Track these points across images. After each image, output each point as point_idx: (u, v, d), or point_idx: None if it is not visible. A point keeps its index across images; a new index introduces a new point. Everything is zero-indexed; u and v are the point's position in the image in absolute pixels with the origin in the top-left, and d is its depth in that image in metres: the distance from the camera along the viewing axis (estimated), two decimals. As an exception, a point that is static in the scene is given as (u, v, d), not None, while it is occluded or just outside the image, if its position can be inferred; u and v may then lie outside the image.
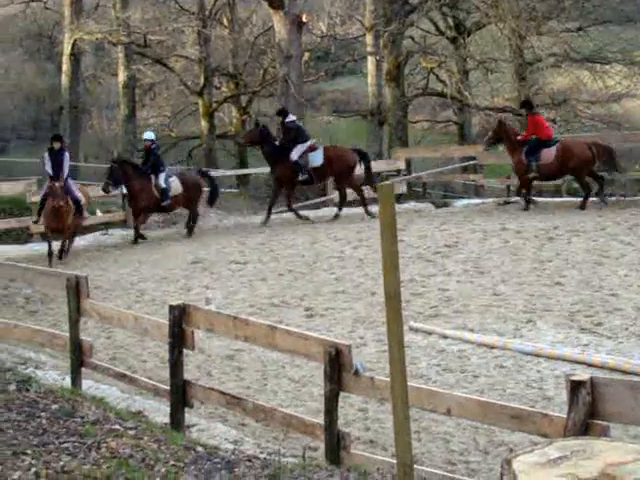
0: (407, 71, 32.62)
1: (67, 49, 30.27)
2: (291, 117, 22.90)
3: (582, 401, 5.92)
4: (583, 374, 6.40)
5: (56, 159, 19.41)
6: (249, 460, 6.69)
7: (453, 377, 11.49)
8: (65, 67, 30.58)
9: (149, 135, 21.44)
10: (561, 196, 23.48)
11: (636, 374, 10.80)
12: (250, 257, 18.53)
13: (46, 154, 19.68)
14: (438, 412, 8.19)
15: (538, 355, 12.01)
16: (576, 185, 24.93)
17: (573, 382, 6.02)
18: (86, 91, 35.20)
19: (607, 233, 18.27)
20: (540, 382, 11.21)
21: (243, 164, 33.66)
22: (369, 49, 32.25)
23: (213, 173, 24.51)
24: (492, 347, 12.46)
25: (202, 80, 33.56)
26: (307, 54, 35.06)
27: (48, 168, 19.29)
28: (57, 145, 19.63)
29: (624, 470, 3.46)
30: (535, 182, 22.82)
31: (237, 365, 12.02)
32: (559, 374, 10.96)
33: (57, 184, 18.93)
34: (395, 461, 6.51)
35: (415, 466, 6.62)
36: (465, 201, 24.65)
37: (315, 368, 9.82)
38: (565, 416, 6.13)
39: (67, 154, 19.99)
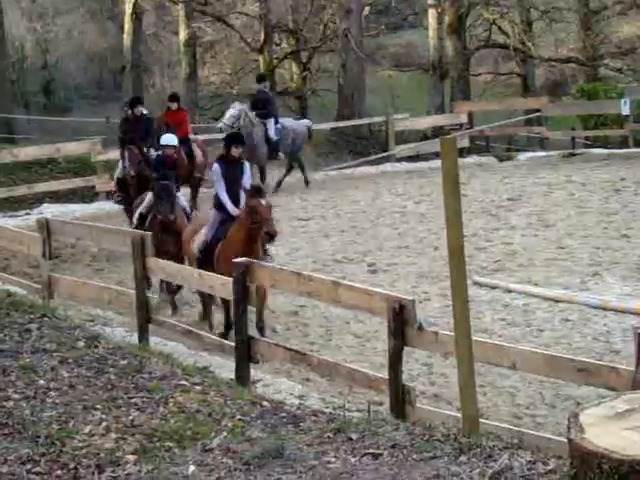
0: (469, 23, 32.18)
1: (129, 8, 30.35)
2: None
3: (650, 353, 5.86)
4: (651, 327, 6.33)
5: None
6: (314, 414, 6.72)
7: (518, 331, 11.45)
8: (127, 26, 30.68)
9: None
10: (628, 147, 23.07)
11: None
12: (312, 213, 18.55)
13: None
14: (503, 366, 8.16)
15: (605, 308, 11.90)
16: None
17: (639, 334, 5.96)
18: (148, 50, 35.34)
19: (675, 184, 18.00)
20: (607, 335, 11.12)
21: (304, 120, 33.57)
22: (430, 1, 31.87)
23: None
24: (557, 301, 12.36)
25: (262, 37, 33.46)
26: (367, 8, 34.73)
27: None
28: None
29: (694, 423, 3.42)
30: (597, 133, 22.45)
31: (301, 321, 12.08)
32: (626, 327, 10.84)
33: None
34: (460, 415, 6.52)
35: (480, 420, 6.61)
36: (529, 154, 24.36)
37: (379, 323, 9.83)
38: (633, 369, 6.07)
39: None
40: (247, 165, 12.44)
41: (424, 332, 7.70)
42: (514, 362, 7.19)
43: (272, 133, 20.57)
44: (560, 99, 29.99)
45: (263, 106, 20.70)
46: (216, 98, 36.23)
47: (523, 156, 23.91)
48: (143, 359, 7.86)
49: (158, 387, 7.04)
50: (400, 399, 7.61)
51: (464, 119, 25.89)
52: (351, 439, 5.81)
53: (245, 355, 9.10)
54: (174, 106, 19.09)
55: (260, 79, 22.48)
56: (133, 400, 6.75)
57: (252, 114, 20.41)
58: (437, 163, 20.69)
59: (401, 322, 7.58)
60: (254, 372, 9.42)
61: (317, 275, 9.34)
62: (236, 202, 11.85)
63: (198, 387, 7.24)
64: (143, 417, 6.39)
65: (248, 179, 12.17)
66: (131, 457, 5.73)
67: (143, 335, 10.42)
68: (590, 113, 25.20)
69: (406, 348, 7.85)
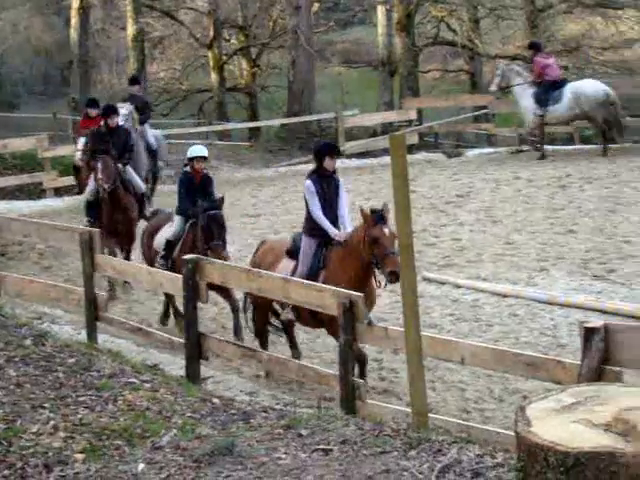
0: (417, 20, 32.27)
1: (75, 2, 30.07)
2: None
3: (595, 347, 5.94)
4: (597, 321, 6.42)
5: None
6: (265, 411, 6.73)
7: (467, 326, 11.53)
8: (73, 21, 30.39)
9: None
10: (574, 144, 23.33)
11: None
12: (262, 210, 18.53)
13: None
14: (452, 361, 8.24)
15: (551, 303, 12.02)
16: (589, 132, 24.79)
17: (587, 329, 6.04)
18: (96, 45, 35.02)
19: (620, 180, 18.19)
20: (554, 330, 11.24)
21: (254, 117, 33.53)
22: (378, -2, 32.00)
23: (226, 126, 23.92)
24: (505, 296, 12.47)
25: (211, 33, 33.35)
26: (316, 4, 34.77)
27: None
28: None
29: (637, 414, 3.48)
30: (547, 130, 22.68)
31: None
32: (572, 321, 10.98)
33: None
34: (410, 410, 6.56)
35: (430, 414, 6.67)
36: (477, 150, 24.50)
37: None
38: (579, 363, 6.15)
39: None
40: (342, 181, 10.59)
41: (374, 328, 7.74)
42: (463, 357, 7.25)
43: (151, 140, 18.28)
44: (507, 96, 30.18)
45: (141, 111, 18.16)
46: (165, 94, 36.07)
47: (471, 153, 24.05)
48: (92, 357, 7.82)
49: (107, 385, 7.01)
50: (350, 395, 7.65)
51: (413, 116, 25.99)
52: (301, 435, 5.83)
53: (195, 352, 9.08)
54: (94, 113, 16.61)
55: (133, 81, 19.81)
56: (82, 398, 6.71)
57: (137, 117, 17.96)
58: (386, 160, 20.74)
59: (351, 318, 7.62)
60: (204, 369, 9.40)
61: (267, 272, 9.35)
62: (333, 225, 9.99)
63: (148, 385, 7.21)
64: (92, 415, 6.36)
65: (345, 198, 10.51)
66: (79, 456, 5.69)
67: (92, 333, 10.35)
68: (537, 110, 25.40)
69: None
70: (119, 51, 36.74)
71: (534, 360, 6.75)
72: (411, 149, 23.10)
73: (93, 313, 10.41)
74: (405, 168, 6.31)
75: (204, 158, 11.74)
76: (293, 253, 10.14)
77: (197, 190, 11.53)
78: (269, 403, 7.90)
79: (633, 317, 11.05)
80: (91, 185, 13.92)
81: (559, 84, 20.77)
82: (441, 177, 20.51)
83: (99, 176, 13.35)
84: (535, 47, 21.82)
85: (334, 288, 8.22)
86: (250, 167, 24.10)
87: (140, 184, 14.48)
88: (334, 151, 10.32)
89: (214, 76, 33.66)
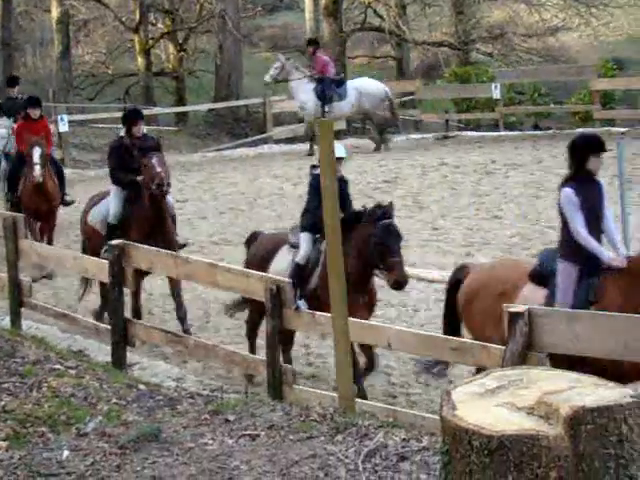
0: (345, 5, 32.31)
1: (-3, -16, 29.61)
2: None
3: (520, 332, 6.02)
4: (521, 306, 6.50)
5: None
6: (191, 397, 6.71)
7: (394, 311, 11.60)
8: (-4, 3, 29.93)
9: None
10: (499, 130, 23.59)
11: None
12: (190, 195, 18.42)
13: None
14: (379, 346, 8.29)
15: (477, 288, 12.13)
16: (514, 119, 25.07)
17: (511, 313, 6.11)
18: (19, 28, 34.44)
19: (544, 166, 18.44)
20: (479, 315, 11.34)
21: (181, 101, 33.27)
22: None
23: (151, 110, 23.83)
24: (432, 281, 12.57)
25: (137, 16, 33.00)
26: (244, -11, 34.60)
27: None
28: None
29: (560, 398, 3.53)
30: (469, 116, 22.95)
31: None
32: (498, 306, 11.10)
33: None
34: (337, 395, 6.59)
35: (356, 399, 6.70)
36: (404, 136, 24.65)
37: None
38: (503, 347, 6.22)
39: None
40: (604, 183, 8.27)
41: (302, 313, 7.75)
42: (389, 342, 7.30)
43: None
44: (434, 82, 30.39)
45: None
46: (91, 78, 35.62)
47: (398, 138, 24.18)
48: (15, 343, 7.72)
49: (31, 372, 6.92)
50: (277, 380, 7.65)
51: (341, 101, 26.00)
52: (228, 421, 5.82)
53: (121, 338, 9.00)
54: (36, 113, 14.72)
55: (11, 82, 18.00)
56: (5, 385, 6.62)
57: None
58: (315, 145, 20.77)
59: (279, 304, 7.62)
60: (130, 355, 9.32)
61: (194, 257, 9.30)
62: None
63: (73, 371, 7.14)
64: (16, 402, 6.28)
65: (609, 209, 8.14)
66: (3, 443, 5.63)
67: (16, 319, 10.20)
68: (462, 96, 25.64)
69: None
70: (43, 34, 36.19)
71: (460, 345, 6.82)
72: (338, 135, 23.14)
73: (17, 299, 10.26)
74: (333, 153, 6.32)
75: (342, 160, 9.74)
76: (539, 278, 7.86)
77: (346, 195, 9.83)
78: (196, 389, 7.88)
79: (556, 302, 11.21)
80: (116, 207, 11.38)
81: (340, 81, 21.02)
82: (368, 163, 20.58)
83: (158, 171, 10.76)
84: (315, 43, 21.96)
85: (260, 274, 8.20)
86: (177, 152, 23.93)
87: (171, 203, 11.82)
88: (600, 147, 8.06)
89: (140, 60, 33.31)
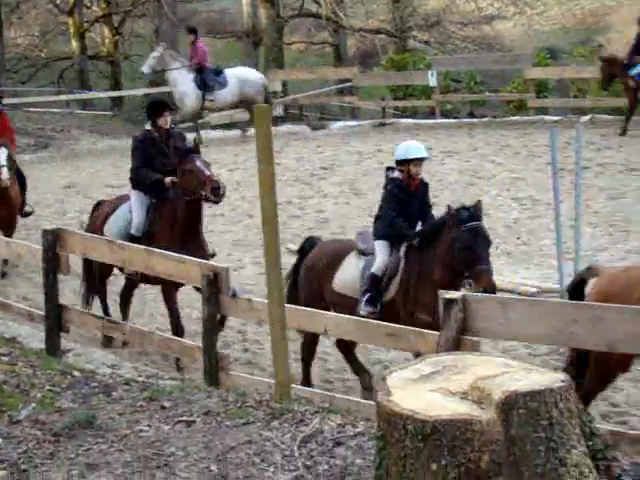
0: (282, -9, 32.30)
1: None
2: None
3: (454, 318, 6.07)
4: (455, 292, 6.56)
5: None
6: (127, 383, 6.68)
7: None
8: None
9: None
10: (435, 117, 23.73)
11: (506, 290, 11.11)
12: (125, 181, 18.22)
13: None
14: (316, 332, 8.32)
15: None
16: (450, 106, 25.22)
17: (446, 299, 6.16)
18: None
19: (479, 154, 18.60)
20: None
21: (117, 86, 32.97)
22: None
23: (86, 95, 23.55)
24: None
25: (72, -1, 32.62)
26: (180, -27, 34.33)
27: None
28: None
29: (493, 383, 3.58)
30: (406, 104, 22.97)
31: (114, 290, 11.90)
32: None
33: None
34: (273, 381, 6.60)
35: (292, 385, 6.72)
36: (341, 123, 24.68)
37: (194, 291, 9.81)
38: (438, 334, 6.28)
39: None
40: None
41: (238, 300, 7.75)
42: (326, 328, 7.33)
43: None
44: (371, 69, 30.48)
45: None
46: (24, 61, 35.14)
47: (335, 125, 24.21)
48: (-54, 330, 7.61)
49: (-38, 359, 6.84)
50: (214, 366, 7.64)
51: (278, 87, 25.98)
52: (164, 407, 5.80)
53: (55, 324, 8.92)
54: None
55: None
56: None
57: None
58: (251, 131, 20.71)
59: (215, 290, 7.60)
60: (65, 341, 9.24)
61: (130, 243, 9.23)
62: None
63: (5, 358, 7.07)
64: (-54, 390, 6.20)
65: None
66: None
67: (-53, 306, 10.06)
68: (399, 84, 25.74)
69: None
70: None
71: (395, 331, 6.87)
72: (276, 121, 23.09)
73: (-52, 286, 10.12)
74: (270, 140, 6.31)
75: (422, 160, 8.98)
76: None
77: (412, 203, 8.90)
78: (131, 375, 7.83)
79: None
80: (139, 216, 10.22)
81: (218, 70, 21.10)
82: (306, 149, 20.57)
83: (208, 174, 9.82)
84: (194, 32, 21.97)
85: (196, 260, 8.18)
86: (112, 137, 23.70)
87: None
88: None
89: (75, 44, 32.93)
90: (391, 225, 8.73)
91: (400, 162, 8.99)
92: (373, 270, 8.64)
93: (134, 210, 10.28)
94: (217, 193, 9.75)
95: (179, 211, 9.98)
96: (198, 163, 9.98)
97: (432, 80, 23.45)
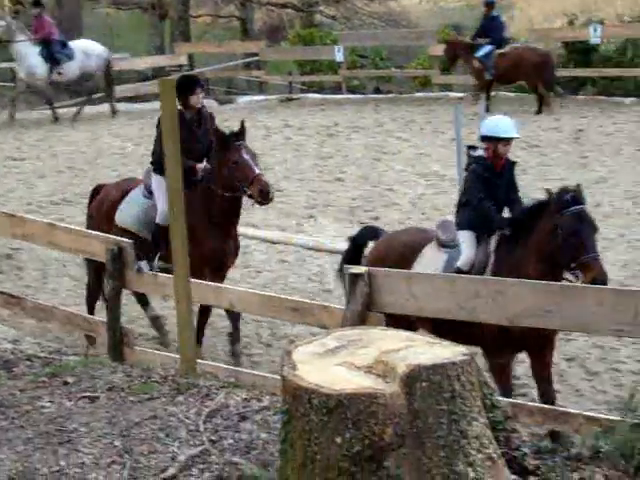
0: (189, -37, 31.93)
1: None
2: None
3: (360, 292, 6.11)
4: (361, 267, 6.60)
5: None
6: (29, 359, 6.59)
7: (237, 272, 11.61)
8: None
9: None
10: (341, 93, 23.78)
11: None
12: (28, 154, 17.91)
13: None
14: (221, 307, 8.31)
15: (319, 249, 12.29)
16: (356, 82, 25.28)
17: (352, 274, 6.20)
18: None
19: (384, 130, 18.71)
20: (321, 276, 11.51)
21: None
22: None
23: None
24: (275, 242, 12.65)
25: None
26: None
27: None
28: None
29: (397, 356, 3.62)
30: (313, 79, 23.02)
31: (15, 264, 11.73)
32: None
33: None
34: (178, 356, 6.58)
35: (198, 360, 6.71)
36: (248, 97, 24.58)
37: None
38: (343, 307, 6.32)
39: None
40: None
41: (143, 274, 7.69)
42: (231, 302, 7.32)
43: None
44: (278, 44, 30.39)
45: None
46: None
47: (242, 100, 24.10)
48: None
49: None
50: (118, 341, 7.57)
51: (184, 61, 25.76)
52: (67, 383, 5.74)
53: (-45, 300, 8.74)
54: None
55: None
56: None
57: None
58: (157, 104, 20.50)
59: (120, 265, 7.53)
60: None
61: (32, 217, 9.08)
62: None
63: None
64: None
65: None
66: None
67: None
68: (306, 59, 25.73)
69: (125, 290, 7.82)
70: None
71: (301, 305, 6.89)
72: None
73: None
74: (175, 113, 6.26)
75: (512, 140, 7.98)
76: None
77: (499, 185, 7.94)
78: (34, 351, 7.73)
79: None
80: (165, 204, 8.26)
81: (64, 42, 21.00)
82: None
83: (257, 173, 9.01)
84: (40, 5, 21.64)
85: (101, 234, 8.08)
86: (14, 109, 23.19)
87: None
88: None
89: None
90: (478, 209, 7.77)
91: (486, 139, 7.92)
92: (459, 264, 7.67)
93: (158, 197, 9.09)
94: (265, 197, 8.86)
95: (216, 204, 9.06)
96: (245, 155, 9.05)
97: (339, 55, 23.49)
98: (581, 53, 21.50)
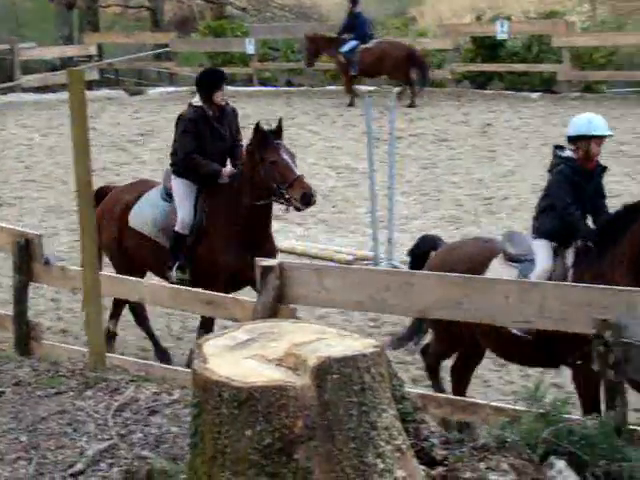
0: (97, -48, 31.50)
1: None
2: None
3: (271, 285, 6.12)
4: (272, 260, 6.61)
5: None
6: None
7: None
8: None
9: None
10: (253, 85, 23.73)
11: (322, 258, 11.28)
12: None
13: None
14: (131, 300, 8.23)
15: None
16: (268, 74, 25.24)
17: (263, 267, 6.20)
18: None
19: (296, 122, 18.73)
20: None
21: None
22: None
23: None
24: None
25: None
26: None
27: None
28: None
29: (307, 349, 3.63)
30: (227, 70, 22.84)
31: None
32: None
33: None
34: (87, 349, 6.50)
35: (107, 354, 6.64)
36: (159, 89, 24.38)
37: (3, 259, 9.54)
38: (255, 301, 6.32)
39: None
40: None
41: (51, 267, 7.58)
42: (142, 296, 7.27)
43: None
44: (189, 35, 30.17)
45: None
46: None
47: (153, 91, 23.91)
48: None
49: None
50: (25, 335, 7.44)
51: (93, 51, 25.46)
52: (-29, 378, 5.64)
53: None
54: None
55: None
56: None
57: None
58: (65, 95, 20.21)
59: (27, 257, 7.40)
60: None
61: None
62: None
63: None
64: None
65: None
66: None
67: None
68: (217, 51, 25.59)
69: (33, 284, 7.70)
70: None
71: (213, 298, 6.86)
72: (91, 85, 22.61)
73: None
74: (83, 104, 6.18)
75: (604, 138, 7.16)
76: None
77: (586, 191, 7.14)
78: None
79: (308, 255, 11.49)
80: (187, 211, 8.47)
81: None
82: (122, 115, 20.26)
83: (298, 175, 8.37)
84: None
85: (7, 227, 7.94)
86: None
87: None
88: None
89: None
90: (564, 215, 6.99)
91: (576, 138, 7.11)
92: (533, 278, 6.90)
93: (179, 203, 8.49)
94: (307, 202, 8.19)
95: (243, 210, 8.33)
96: (284, 155, 8.37)
97: (250, 48, 23.44)
98: (489, 48, 21.82)
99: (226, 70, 24.85)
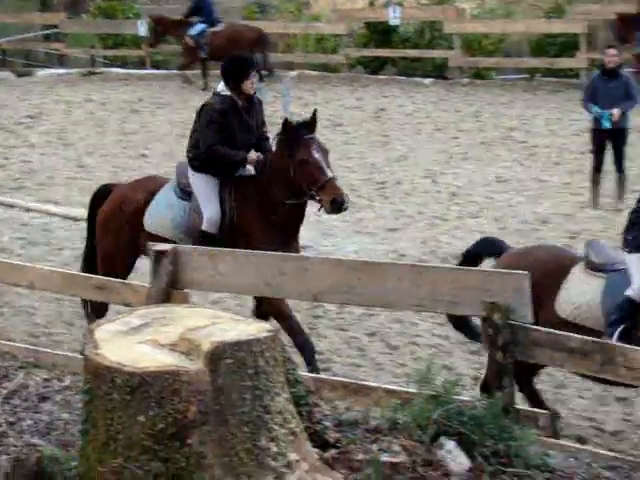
0: None
1: None
2: None
3: (164, 270, 6.07)
4: (166, 244, 6.56)
5: None
6: None
7: (38, 250, 11.37)
8: None
9: None
10: (145, 68, 23.46)
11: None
12: None
13: None
14: (21, 286, 8.08)
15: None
16: (160, 57, 24.97)
17: (156, 252, 6.15)
18: None
19: (190, 106, 18.54)
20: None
21: None
22: None
23: None
24: (77, 219, 12.40)
25: None
26: None
27: None
28: None
29: (201, 333, 3.63)
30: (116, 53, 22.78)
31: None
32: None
33: None
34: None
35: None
36: (48, 71, 23.92)
37: None
38: (148, 285, 6.26)
39: None
40: None
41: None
42: (32, 281, 7.14)
43: None
44: (79, 16, 29.64)
45: None
46: None
47: (42, 73, 23.45)
48: None
49: None
50: None
51: (-21, 31, 24.86)
52: None
53: None
54: None
55: None
56: None
57: None
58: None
59: None
60: None
61: None
62: None
63: None
64: None
65: None
66: None
67: None
68: (108, 32, 25.21)
69: None
70: None
71: (104, 284, 6.78)
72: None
73: None
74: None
75: None
76: None
77: None
78: None
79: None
80: (212, 207, 7.93)
81: None
82: (10, 97, 19.84)
83: (330, 177, 7.80)
84: None
85: None
86: None
87: None
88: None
89: None
90: None
91: None
92: (631, 294, 6.48)
93: (203, 200, 7.92)
94: (338, 209, 7.71)
95: (277, 206, 7.83)
96: (316, 154, 7.73)
97: (142, 30, 23.13)
98: (382, 34, 21.97)
99: (118, 53, 24.69)
